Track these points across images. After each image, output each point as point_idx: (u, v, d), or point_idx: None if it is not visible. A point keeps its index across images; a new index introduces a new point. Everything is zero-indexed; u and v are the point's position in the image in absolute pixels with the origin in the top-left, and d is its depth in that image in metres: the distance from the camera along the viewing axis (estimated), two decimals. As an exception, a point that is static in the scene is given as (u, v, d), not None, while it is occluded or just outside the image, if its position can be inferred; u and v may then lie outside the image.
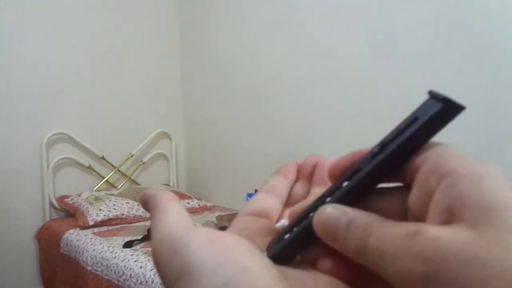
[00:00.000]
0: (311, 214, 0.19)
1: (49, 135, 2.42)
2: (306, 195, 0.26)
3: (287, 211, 0.24)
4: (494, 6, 1.56)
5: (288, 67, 2.33)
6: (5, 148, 2.32)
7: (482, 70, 1.60)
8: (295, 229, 0.20)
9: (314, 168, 0.27)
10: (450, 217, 0.16)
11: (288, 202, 0.26)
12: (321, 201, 0.20)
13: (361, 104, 2.01)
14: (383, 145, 0.19)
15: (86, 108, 2.62)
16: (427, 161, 0.18)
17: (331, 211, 0.19)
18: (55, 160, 2.46)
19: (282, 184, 0.26)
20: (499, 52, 1.56)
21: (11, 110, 2.34)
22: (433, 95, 0.18)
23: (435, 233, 0.15)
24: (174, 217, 0.20)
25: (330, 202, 0.20)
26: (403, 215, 0.19)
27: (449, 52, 1.69)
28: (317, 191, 0.25)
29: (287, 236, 0.20)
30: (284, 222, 0.23)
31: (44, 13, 2.45)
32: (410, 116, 0.19)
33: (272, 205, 0.25)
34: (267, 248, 0.21)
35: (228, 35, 2.70)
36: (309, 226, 0.19)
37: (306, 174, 0.27)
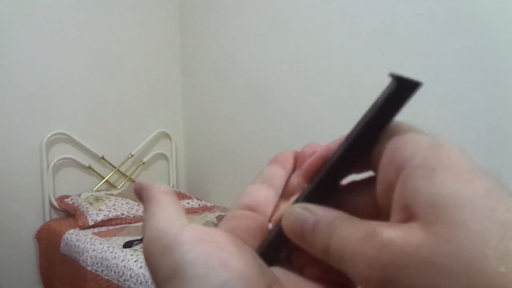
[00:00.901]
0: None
1: (49, 135, 2.42)
2: (302, 185, 0.25)
3: (283, 203, 0.23)
4: (494, 5, 1.56)
5: (288, 67, 2.33)
6: (5, 148, 2.32)
7: (482, 70, 1.60)
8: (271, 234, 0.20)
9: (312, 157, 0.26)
10: (407, 215, 0.15)
11: (284, 193, 0.24)
12: (296, 201, 0.20)
13: (362, 104, 2.01)
14: (348, 135, 0.19)
15: (86, 108, 2.62)
16: (386, 150, 0.17)
17: (299, 211, 0.18)
18: (55, 160, 2.46)
19: (278, 174, 0.24)
20: (499, 52, 1.56)
21: (11, 110, 2.34)
22: (392, 76, 0.17)
23: (390, 235, 0.15)
24: (168, 212, 0.19)
25: (300, 201, 0.19)
26: (376, 209, 0.18)
27: (449, 52, 1.69)
28: None
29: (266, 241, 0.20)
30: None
31: (44, 13, 2.45)
32: (373, 103, 0.18)
33: (267, 197, 0.23)
34: (257, 247, 0.20)
35: (228, 35, 2.70)
36: (281, 229, 0.19)
37: (303, 163, 0.26)
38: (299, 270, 0.20)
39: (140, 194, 0.22)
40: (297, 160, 0.25)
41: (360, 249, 0.15)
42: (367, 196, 0.19)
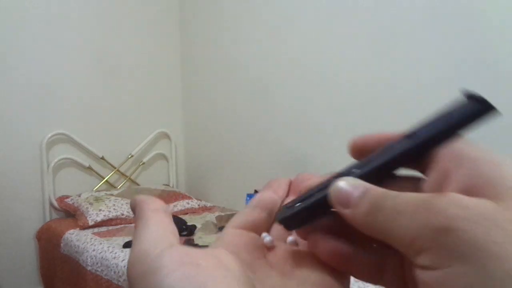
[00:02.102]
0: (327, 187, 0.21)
1: (49, 135, 2.43)
2: None
3: (276, 227, 0.24)
4: (494, 6, 1.56)
5: (288, 67, 2.34)
6: (5, 148, 2.32)
7: (482, 70, 1.61)
8: (307, 200, 0.21)
9: (306, 183, 0.26)
10: (469, 194, 0.16)
11: None
12: (338, 175, 0.21)
13: (361, 104, 2.01)
14: (413, 133, 0.20)
15: (86, 108, 2.62)
16: (448, 149, 0.19)
17: (350, 180, 0.20)
18: (55, 160, 2.46)
19: (271, 199, 0.25)
20: (499, 51, 1.57)
21: (11, 110, 2.35)
22: (469, 95, 0.19)
23: (461, 196, 0.16)
24: (154, 232, 0.19)
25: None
26: None
27: (449, 51, 1.69)
28: None
29: (298, 204, 0.21)
30: (266, 235, 0.23)
31: (44, 13, 2.45)
32: (444, 111, 0.20)
33: (260, 219, 0.24)
34: (276, 213, 0.22)
35: (228, 35, 2.70)
36: (324, 197, 0.20)
37: (298, 189, 0.26)
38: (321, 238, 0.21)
39: (134, 211, 0.22)
40: (290, 187, 0.26)
41: (426, 203, 0.16)
42: (405, 190, 0.20)
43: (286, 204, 0.22)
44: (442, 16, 1.71)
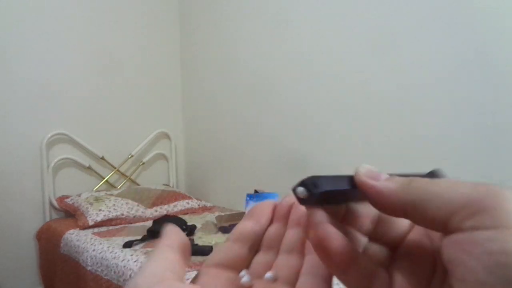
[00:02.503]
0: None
1: (49, 135, 2.43)
2: (281, 238, 0.25)
3: (256, 260, 0.24)
4: (494, 6, 1.56)
5: (288, 67, 2.34)
6: (5, 148, 2.32)
7: (482, 70, 1.61)
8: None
9: (290, 209, 0.26)
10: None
11: (263, 246, 0.25)
12: None
13: (361, 104, 2.01)
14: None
15: (86, 108, 2.62)
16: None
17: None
18: (55, 160, 2.46)
19: (253, 231, 0.25)
20: (500, 52, 1.57)
21: (11, 110, 2.35)
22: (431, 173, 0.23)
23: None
24: (151, 268, 0.20)
25: None
26: None
27: (449, 51, 1.69)
28: (292, 233, 0.25)
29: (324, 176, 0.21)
30: (244, 274, 0.23)
31: (44, 13, 2.45)
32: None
33: (240, 255, 0.24)
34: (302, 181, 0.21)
35: (228, 36, 2.70)
36: (349, 177, 0.21)
37: (282, 215, 0.26)
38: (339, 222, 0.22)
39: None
40: (275, 212, 0.26)
41: (459, 183, 0.18)
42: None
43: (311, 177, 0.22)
44: (442, 16, 1.71)
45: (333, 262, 0.21)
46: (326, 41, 2.14)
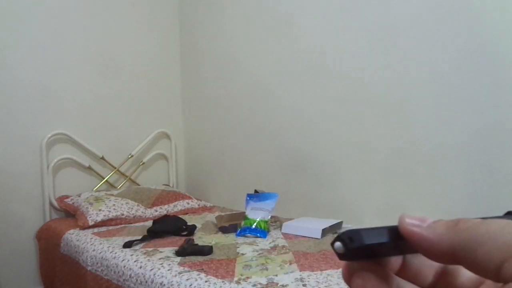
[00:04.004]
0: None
1: (49, 135, 2.43)
2: None
3: None
4: (494, 5, 1.56)
5: (287, 67, 2.34)
6: (5, 148, 2.32)
7: (482, 69, 1.61)
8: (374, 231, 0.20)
9: None
10: None
11: None
12: None
13: (361, 104, 2.01)
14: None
15: (86, 108, 2.62)
16: None
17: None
18: (55, 160, 2.46)
19: None
20: (499, 51, 1.57)
21: (11, 110, 2.34)
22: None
23: None
24: None
25: None
26: None
27: (449, 51, 1.69)
28: None
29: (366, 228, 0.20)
30: None
31: (44, 13, 2.45)
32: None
33: None
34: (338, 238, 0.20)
35: (228, 36, 2.70)
36: (393, 228, 0.20)
37: None
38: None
39: None
40: None
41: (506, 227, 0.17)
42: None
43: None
44: (443, 16, 1.71)
45: None
46: (326, 41, 2.14)
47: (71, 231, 2.13)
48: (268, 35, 2.44)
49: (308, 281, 1.27)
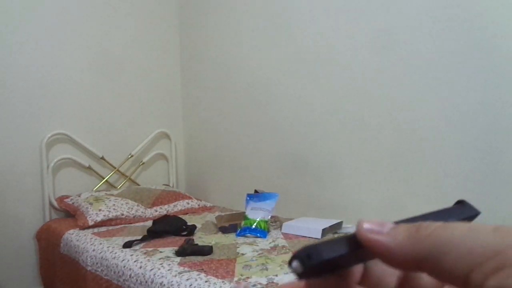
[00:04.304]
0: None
1: (49, 135, 2.43)
2: None
3: None
4: (494, 6, 1.56)
5: (287, 67, 2.33)
6: (5, 148, 2.32)
7: (482, 70, 1.61)
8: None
9: None
10: None
11: None
12: None
13: (361, 104, 2.01)
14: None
15: (86, 108, 2.62)
16: None
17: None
18: (55, 160, 2.46)
19: None
20: (499, 52, 1.57)
21: (11, 110, 2.34)
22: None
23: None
24: None
25: None
26: None
27: (449, 51, 1.69)
28: None
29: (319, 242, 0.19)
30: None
31: (44, 13, 2.45)
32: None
33: None
34: (295, 254, 0.19)
35: (228, 36, 2.70)
36: (350, 236, 0.19)
37: None
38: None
39: None
40: None
41: (476, 229, 0.16)
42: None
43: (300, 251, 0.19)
44: (443, 16, 1.71)
45: None
46: (326, 42, 2.14)
47: (71, 231, 2.13)
48: (268, 35, 2.43)
49: (308, 281, 1.26)
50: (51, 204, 2.45)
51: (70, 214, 2.38)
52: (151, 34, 2.92)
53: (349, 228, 1.90)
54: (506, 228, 0.16)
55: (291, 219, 2.03)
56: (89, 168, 2.61)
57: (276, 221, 2.06)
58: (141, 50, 2.86)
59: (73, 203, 2.37)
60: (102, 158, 2.65)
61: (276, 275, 1.33)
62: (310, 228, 1.83)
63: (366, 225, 0.18)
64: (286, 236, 1.85)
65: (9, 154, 2.33)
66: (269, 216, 1.93)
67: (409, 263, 0.17)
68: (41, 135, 2.42)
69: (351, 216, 2.02)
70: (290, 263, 0.19)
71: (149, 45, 2.90)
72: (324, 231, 1.80)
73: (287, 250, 1.62)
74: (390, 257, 0.18)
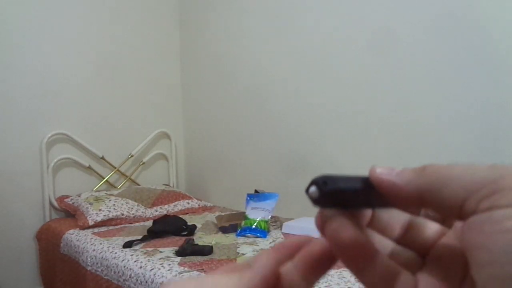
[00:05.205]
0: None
1: (49, 135, 2.42)
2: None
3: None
4: (494, 6, 1.56)
5: (288, 67, 2.33)
6: (5, 148, 2.32)
7: (482, 70, 1.61)
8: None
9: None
10: None
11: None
12: None
13: (361, 104, 2.01)
14: None
15: (86, 108, 2.62)
16: None
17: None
18: (55, 160, 2.46)
19: (266, 257, 0.22)
20: (499, 52, 1.57)
21: (11, 110, 2.34)
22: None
23: None
24: (200, 282, 0.20)
25: None
26: None
27: (449, 51, 1.69)
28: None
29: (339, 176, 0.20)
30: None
31: (44, 13, 2.45)
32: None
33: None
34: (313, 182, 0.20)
35: (228, 36, 2.70)
36: (364, 178, 0.20)
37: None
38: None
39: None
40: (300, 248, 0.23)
41: (474, 166, 0.18)
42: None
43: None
44: (443, 16, 1.71)
45: (347, 257, 0.20)
46: (326, 42, 2.14)
47: (71, 231, 2.13)
48: (269, 35, 2.43)
49: (308, 281, 1.26)
50: (51, 204, 2.45)
51: (70, 214, 2.38)
52: (151, 34, 2.92)
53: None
54: (501, 165, 0.17)
55: (291, 219, 2.03)
56: (89, 168, 2.61)
57: (276, 221, 2.06)
58: (141, 50, 2.86)
59: (73, 203, 2.37)
60: (102, 158, 2.65)
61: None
62: (310, 228, 1.82)
63: (378, 169, 0.20)
64: (286, 236, 1.85)
65: (9, 154, 2.33)
66: (269, 216, 1.93)
67: (414, 197, 0.19)
68: (41, 135, 2.42)
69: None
70: (307, 190, 0.20)
71: (149, 45, 2.90)
72: (324, 231, 1.80)
73: (287, 250, 1.62)
74: (397, 194, 0.19)
